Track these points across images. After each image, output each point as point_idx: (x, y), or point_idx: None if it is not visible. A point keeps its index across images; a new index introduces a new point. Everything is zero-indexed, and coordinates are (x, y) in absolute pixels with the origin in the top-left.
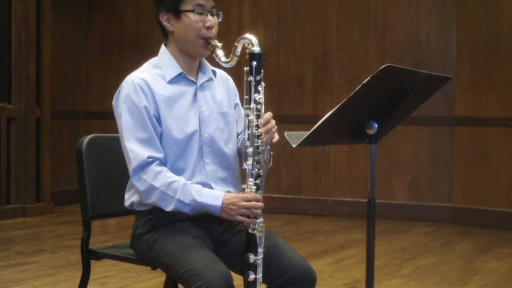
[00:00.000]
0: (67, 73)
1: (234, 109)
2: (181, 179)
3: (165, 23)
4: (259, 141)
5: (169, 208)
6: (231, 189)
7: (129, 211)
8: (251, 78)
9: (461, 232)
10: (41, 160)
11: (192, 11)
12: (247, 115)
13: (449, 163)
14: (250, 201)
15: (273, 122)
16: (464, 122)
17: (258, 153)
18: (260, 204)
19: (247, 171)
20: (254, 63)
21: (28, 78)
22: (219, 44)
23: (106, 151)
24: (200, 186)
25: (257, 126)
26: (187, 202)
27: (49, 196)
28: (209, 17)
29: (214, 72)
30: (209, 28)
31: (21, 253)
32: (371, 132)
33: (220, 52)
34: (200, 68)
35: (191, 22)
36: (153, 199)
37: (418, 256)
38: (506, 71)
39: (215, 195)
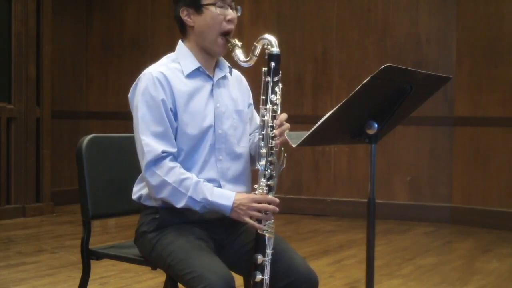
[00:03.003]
0: (67, 73)
1: (248, 106)
2: (193, 177)
3: (185, 18)
4: (273, 142)
5: (180, 204)
6: (241, 188)
7: (130, 211)
8: (268, 78)
9: (461, 232)
10: (41, 160)
11: (213, 4)
12: (263, 116)
13: (449, 163)
14: (260, 203)
15: (287, 124)
16: (464, 122)
17: (272, 154)
18: (272, 207)
19: (259, 171)
20: (273, 64)
21: (28, 78)
22: (239, 43)
23: (106, 151)
24: (211, 185)
25: (272, 127)
26: (198, 200)
27: (49, 196)
28: (230, 10)
29: (230, 69)
30: (229, 21)
31: (21, 253)
32: (371, 132)
33: (239, 51)
34: (217, 64)
35: (213, 15)
36: (164, 194)
37: (418, 256)
38: (506, 71)
39: (226, 195)
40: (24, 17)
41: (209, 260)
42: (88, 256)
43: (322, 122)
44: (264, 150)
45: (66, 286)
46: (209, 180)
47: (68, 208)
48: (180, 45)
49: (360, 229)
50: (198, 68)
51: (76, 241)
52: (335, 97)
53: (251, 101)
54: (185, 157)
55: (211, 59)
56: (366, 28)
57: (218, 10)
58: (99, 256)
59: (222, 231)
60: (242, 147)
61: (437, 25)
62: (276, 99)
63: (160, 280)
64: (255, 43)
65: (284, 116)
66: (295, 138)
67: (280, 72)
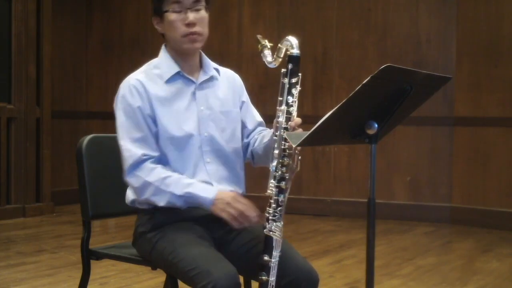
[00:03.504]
0: (67, 73)
1: (242, 106)
2: (174, 174)
3: (156, 26)
4: (286, 144)
5: (162, 202)
6: (233, 187)
7: (130, 211)
8: (286, 80)
9: (461, 232)
10: (41, 160)
11: (167, 11)
12: (278, 117)
13: (449, 163)
14: (241, 203)
15: (300, 129)
16: (464, 122)
17: (284, 155)
18: (252, 213)
19: (270, 172)
20: (290, 65)
21: (28, 78)
22: (268, 44)
23: (106, 151)
24: (195, 180)
25: (286, 129)
26: (180, 194)
27: (49, 196)
28: (189, 13)
29: (217, 70)
30: (189, 25)
31: (21, 253)
32: (371, 132)
33: (267, 52)
34: (201, 67)
35: (170, 21)
36: (147, 195)
37: (418, 256)
38: (506, 71)
39: (209, 188)
40: (24, 17)
41: (213, 256)
42: (88, 256)
43: (322, 122)
44: (276, 152)
45: (66, 286)
46: (203, 183)
47: (68, 208)
48: (163, 50)
49: (360, 229)
50: (178, 73)
51: (76, 241)
52: (335, 97)
53: (245, 98)
54: (175, 162)
55: (192, 60)
56: (366, 28)
57: (174, 15)
58: (99, 256)
59: (220, 228)
60: (231, 148)
61: (437, 25)
62: (292, 101)
63: (160, 280)
64: (279, 45)
65: (298, 120)
66: (295, 138)
67: (300, 74)
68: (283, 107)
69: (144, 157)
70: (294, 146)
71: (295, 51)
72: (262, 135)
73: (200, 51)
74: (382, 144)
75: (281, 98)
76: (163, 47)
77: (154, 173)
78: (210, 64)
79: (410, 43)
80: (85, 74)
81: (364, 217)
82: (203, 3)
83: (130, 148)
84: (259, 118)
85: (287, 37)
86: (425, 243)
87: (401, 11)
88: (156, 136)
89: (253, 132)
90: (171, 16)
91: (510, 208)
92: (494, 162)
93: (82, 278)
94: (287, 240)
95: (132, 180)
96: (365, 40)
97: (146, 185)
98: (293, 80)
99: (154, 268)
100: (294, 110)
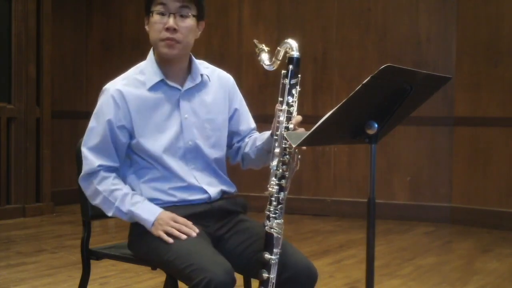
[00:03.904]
0: (67, 73)
1: (235, 113)
2: (124, 188)
3: (146, 27)
4: (288, 142)
5: (110, 213)
6: (225, 187)
7: None
8: (286, 81)
9: (461, 232)
10: (41, 160)
11: (152, 11)
12: (278, 116)
13: (449, 163)
14: (178, 223)
15: (301, 129)
16: (464, 122)
17: (285, 154)
18: (190, 231)
19: (271, 171)
20: (291, 67)
21: (28, 78)
22: (266, 48)
23: None
24: (143, 198)
25: (287, 128)
26: (124, 211)
27: (49, 196)
28: (171, 18)
29: (208, 76)
30: (168, 29)
31: (21, 253)
32: (371, 132)
33: (265, 56)
34: (190, 73)
35: (152, 23)
36: (97, 202)
37: (418, 256)
38: (506, 71)
39: (152, 210)
40: (24, 17)
41: (209, 252)
42: (88, 256)
43: (322, 122)
44: (277, 150)
45: (66, 286)
46: (193, 187)
47: (68, 208)
48: (149, 54)
49: (360, 229)
50: (161, 81)
51: (76, 241)
52: (335, 97)
53: (238, 105)
54: (161, 171)
55: (177, 66)
56: (366, 28)
57: (157, 17)
58: (99, 256)
59: (213, 222)
60: (216, 155)
61: (437, 25)
62: (292, 101)
63: (160, 280)
64: (278, 48)
65: (299, 118)
66: (295, 138)
67: (299, 75)
68: (284, 106)
69: (99, 168)
70: (294, 146)
71: (295, 53)
72: (254, 138)
73: (191, 54)
74: (382, 144)
75: (281, 99)
76: (151, 49)
77: (104, 183)
78: (199, 70)
79: (410, 43)
80: (85, 74)
81: (364, 217)
82: (193, 11)
83: (88, 156)
84: (253, 124)
85: (286, 40)
86: (425, 243)
87: (401, 11)
88: (132, 146)
89: (245, 137)
90: (154, 18)
91: (510, 208)
92: (494, 162)
93: (82, 278)
94: (287, 239)
95: (85, 185)
96: (365, 40)
97: (96, 192)
98: (293, 81)
99: (154, 268)
100: (294, 110)
